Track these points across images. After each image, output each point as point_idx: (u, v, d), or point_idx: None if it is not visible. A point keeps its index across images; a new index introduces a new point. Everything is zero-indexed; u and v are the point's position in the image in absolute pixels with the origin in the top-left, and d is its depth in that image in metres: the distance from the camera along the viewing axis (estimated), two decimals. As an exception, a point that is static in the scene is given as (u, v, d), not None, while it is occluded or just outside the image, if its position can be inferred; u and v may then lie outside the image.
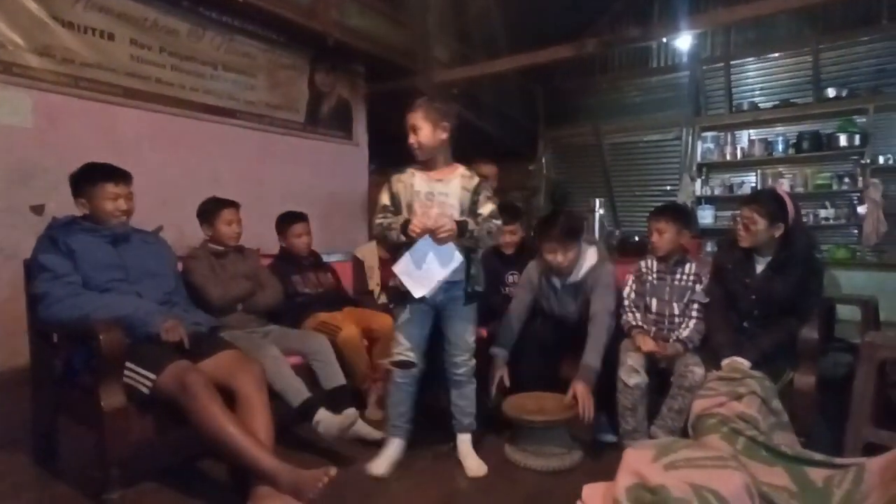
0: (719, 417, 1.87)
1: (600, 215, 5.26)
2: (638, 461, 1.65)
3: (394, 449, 2.08)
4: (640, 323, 2.32)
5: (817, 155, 5.14)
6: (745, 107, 5.61)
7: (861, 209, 4.79)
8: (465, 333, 2.07)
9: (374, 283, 3.04)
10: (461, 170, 2.03)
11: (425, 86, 4.65)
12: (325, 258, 2.99)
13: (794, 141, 5.25)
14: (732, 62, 5.68)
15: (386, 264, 3.00)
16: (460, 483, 2.01)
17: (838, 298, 3.47)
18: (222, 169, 3.77)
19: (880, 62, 5.00)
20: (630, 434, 2.13)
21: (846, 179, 5.02)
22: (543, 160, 6.79)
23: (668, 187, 5.98)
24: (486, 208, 1.98)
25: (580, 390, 2.07)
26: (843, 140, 4.95)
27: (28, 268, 1.99)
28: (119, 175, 2.01)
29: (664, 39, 5.69)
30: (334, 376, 2.27)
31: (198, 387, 1.68)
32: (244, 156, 3.95)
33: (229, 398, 1.77)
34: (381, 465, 2.03)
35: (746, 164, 5.58)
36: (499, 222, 2.01)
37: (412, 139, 1.96)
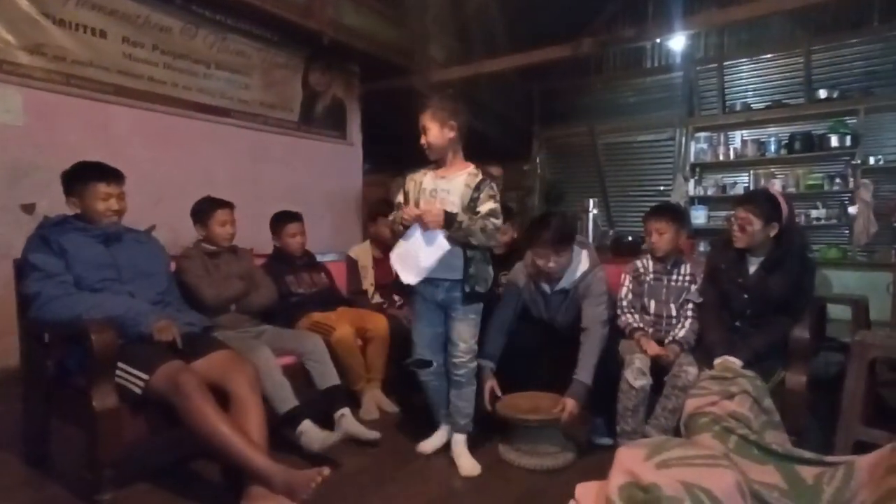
0: (711, 416, 1.88)
1: (594, 215, 5.29)
2: (630, 460, 1.66)
3: (441, 435, 2.23)
4: (640, 325, 2.31)
5: (809, 156, 5.18)
6: (738, 107, 5.66)
7: (852, 209, 4.83)
8: (464, 334, 2.07)
9: (367, 282, 3.04)
10: (470, 168, 2.04)
11: (420, 85, 4.65)
12: (319, 258, 2.98)
13: (787, 141, 5.29)
14: (726, 63, 5.72)
15: (380, 264, 3.01)
16: (454, 483, 2.01)
17: (829, 298, 3.50)
18: (216, 168, 3.76)
19: (871, 64, 5.04)
20: (628, 435, 2.11)
21: (837, 180, 5.06)
22: (538, 160, 6.80)
23: (662, 187, 6.00)
24: (485, 206, 1.98)
25: (570, 407, 2.07)
26: (834, 141, 4.99)
27: (18, 267, 1.96)
28: (111, 175, 2.00)
29: (658, 40, 5.72)
30: (329, 376, 2.27)
31: (190, 387, 1.67)
32: (238, 155, 3.94)
33: (222, 398, 1.76)
34: (428, 445, 2.21)
35: (739, 164, 5.62)
36: (497, 222, 1.99)
37: (423, 139, 2.01)
